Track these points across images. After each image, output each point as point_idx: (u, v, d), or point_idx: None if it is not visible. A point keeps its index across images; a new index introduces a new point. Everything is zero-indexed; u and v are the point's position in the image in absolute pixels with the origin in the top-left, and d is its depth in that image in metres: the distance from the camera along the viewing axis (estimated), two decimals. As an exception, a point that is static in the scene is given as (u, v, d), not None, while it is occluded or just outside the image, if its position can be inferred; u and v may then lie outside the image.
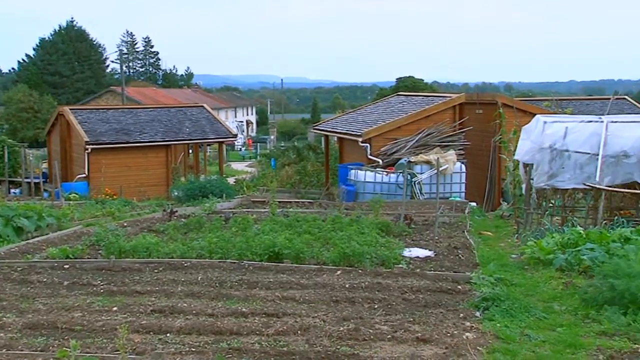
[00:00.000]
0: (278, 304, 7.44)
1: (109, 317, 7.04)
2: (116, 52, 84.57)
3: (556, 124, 11.94)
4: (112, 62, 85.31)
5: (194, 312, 7.18)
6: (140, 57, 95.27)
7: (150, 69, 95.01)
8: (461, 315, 7.07)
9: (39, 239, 11.68)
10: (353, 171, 18.90)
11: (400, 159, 19.27)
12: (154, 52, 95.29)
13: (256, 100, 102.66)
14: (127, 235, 11.39)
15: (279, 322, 6.80)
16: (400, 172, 17.90)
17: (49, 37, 72.37)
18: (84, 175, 23.21)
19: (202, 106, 28.74)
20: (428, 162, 18.53)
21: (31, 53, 71.60)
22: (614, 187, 11.23)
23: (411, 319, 6.91)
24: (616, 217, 11.08)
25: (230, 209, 15.52)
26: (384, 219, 12.46)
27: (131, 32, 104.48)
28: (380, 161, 19.57)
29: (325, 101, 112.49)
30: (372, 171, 18.69)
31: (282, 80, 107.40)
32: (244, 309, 7.22)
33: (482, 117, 20.08)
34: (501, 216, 15.02)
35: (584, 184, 11.35)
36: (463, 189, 18.93)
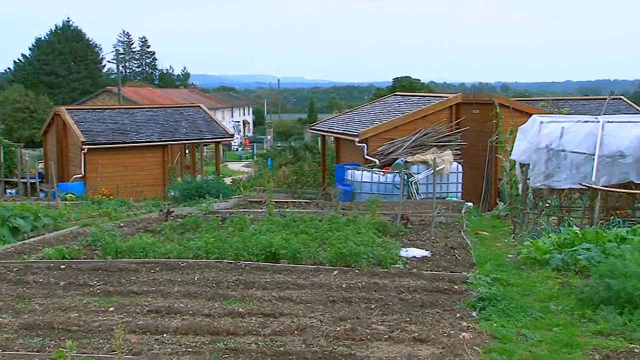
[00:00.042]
0: (275, 304, 7.44)
1: (105, 318, 7.03)
2: (112, 52, 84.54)
3: (552, 124, 11.96)
4: (109, 62, 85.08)
5: (190, 312, 7.17)
6: (136, 57, 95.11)
7: (147, 69, 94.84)
8: (458, 315, 7.08)
9: (35, 239, 11.66)
10: (350, 171, 18.91)
11: (397, 159, 19.28)
12: (151, 52, 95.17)
13: (253, 100, 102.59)
14: (124, 235, 11.37)
15: (275, 322, 6.80)
16: (397, 172, 17.92)
17: (45, 37, 72.23)
18: (80, 175, 23.17)
19: (199, 106, 28.72)
20: (425, 162, 18.55)
21: (27, 53, 71.49)
22: (610, 187, 11.25)
23: (408, 319, 6.91)
24: (612, 217, 11.11)
25: (227, 209, 15.50)
26: (381, 219, 12.47)
27: (128, 32, 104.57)
28: (377, 161, 19.58)
29: (322, 101, 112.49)
30: (368, 171, 18.70)
31: (278, 80, 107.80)
32: (240, 309, 7.22)
33: (478, 117, 20.10)
34: (498, 216, 15.04)
35: (580, 184, 11.37)
36: (460, 189, 18.95)
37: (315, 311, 7.18)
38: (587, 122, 11.92)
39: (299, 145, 37.76)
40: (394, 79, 71.22)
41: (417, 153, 19.36)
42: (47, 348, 6.09)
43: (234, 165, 45.88)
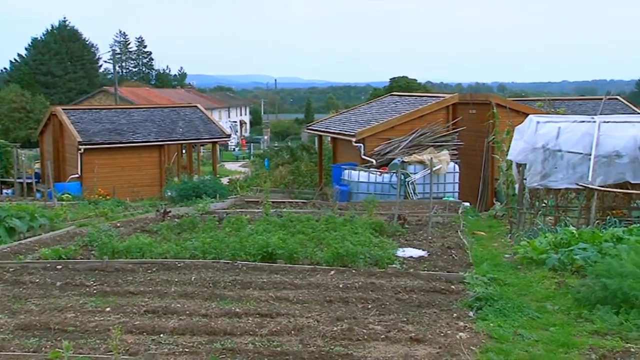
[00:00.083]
0: (272, 304, 7.44)
1: (102, 318, 7.01)
2: (109, 52, 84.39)
3: (549, 124, 11.99)
4: (105, 62, 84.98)
5: (187, 312, 7.16)
6: (133, 57, 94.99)
7: (144, 69, 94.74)
8: (455, 315, 7.08)
9: (31, 239, 11.63)
10: (347, 171, 18.91)
11: (393, 159, 19.30)
12: (147, 52, 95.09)
13: (250, 100, 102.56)
14: (120, 235, 11.35)
15: (272, 322, 6.80)
16: (394, 172, 17.92)
17: (41, 37, 72.08)
18: (76, 175, 23.14)
19: (196, 106, 28.70)
20: (421, 162, 18.57)
21: (23, 53, 71.34)
22: (607, 187, 11.28)
23: (405, 319, 6.92)
24: (608, 217, 11.14)
25: (224, 209, 15.50)
26: (378, 219, 12.48)
27: (124, 32, 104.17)
28: (374, 161, 19.59)
29: (318, 101, 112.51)
30: (365, 171, 18.71)
31: (275, 80, 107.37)
32: (237, 309, 7.21)
33: (475, 117, 20.13)
34: (494, 216, 15.06)
35: (577, 184, 11.40)
36: (456, 189, 18.97)
37: (312, 311, 7.18)
38: (583, 122, 11.95)
39: (296, 145, 37.78)
40: (390, 79, 71.33)
41: (414, 153, 19.38)
42: (43, 348, 6.07)
43: (230, 166, 45.86)
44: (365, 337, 6.33)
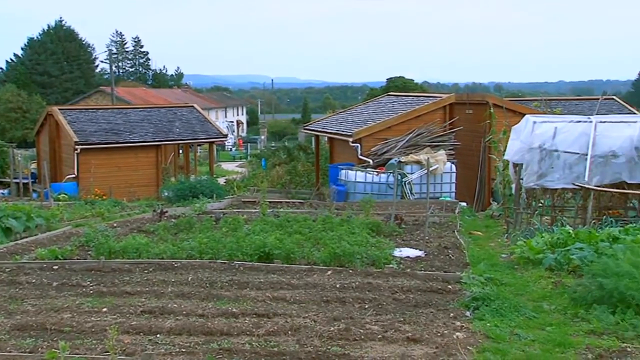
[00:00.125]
0: (269, 305, 7.43)
1: (98, 318, 7.00)
2: (105, 52, 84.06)
3: (545, 124, 12.00)
4: (102, 62, 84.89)
5: (184, 312, 7.16)
6: (129, 57, 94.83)
7: (140, 69, 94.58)
8: (451, 314, 7.09)
9: (27, 239, 11.61)
10: (343, 171, 18.91)
11: (390, 159, 19.30)
12: (144, 52, 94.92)
13: (246, 100, 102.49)
14: (117, 235, 11.34)
15: (269, 322, 6.80)
16: (391, 172, 17.93)
17: (37, 37, 71.95)
18: (73, 175, 23.10)
19: (193, 106, 28.68)
20: (418, 162, 18.58)
21: (19, 53, 71.18)
22: (603, 187, 11.30)
23: (402, 319, 6.92)
24: (605, 217, 11.16)
25: (221, 209, 15.49)
26: (375, 219, 12.48)
27: (121, 32, 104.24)
28: (371, 161, 19.60)
29: (315, 101, 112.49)
30: (362, 171, 18.71)
31: (272, 80, 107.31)
32: (234, 310, 7.21)
33: (472, 117, 20.15)
34: (491, 216, 15.08)
35: (573, 184, 11.42)
36: (453, 189, 18.98)
37: (309, 311, 7.18)
38: (579, 122, 11.97)
39: (293, 145, 37.72)
40: (387, 79, 71.32)
41: (411, 153, 19.38)
42: (39, 349, 6.06)
43: (227, 166, 45.83)
44: (362, 337, 6.34)
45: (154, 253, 9.82)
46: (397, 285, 8.15)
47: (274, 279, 8.51)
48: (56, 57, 69.73)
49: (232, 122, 79.52)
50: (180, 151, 29.48)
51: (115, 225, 13.23)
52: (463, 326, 6.69)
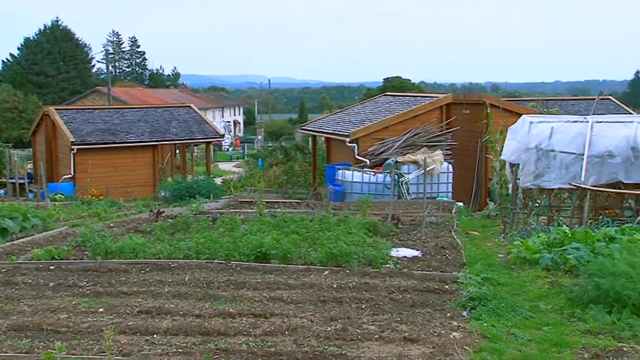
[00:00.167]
0: (265, 305, 7.43)
1: (95, 319, 6.99)
2: (102, 52, 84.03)
3: (542, 124, 12.02)
4: (98, 62, 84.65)
5: (181, 313, 7.15)
6: (126, 57, 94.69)
7: (137, 69, 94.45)
8: (448, 314, 7.10)
9: (24, 240, 11.59)
10: (340, 171, 18.91)
11: (387, 159, 19.31)
12: (141, 52, 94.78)
13: (243, 100, 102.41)
14: (114, 236, 11.32)
15: (266, 322, 6.80)
16: (388, 172, 17.94)
17: (33, 37, 71.75)
18: (69, 175, 23.05)
19: (189, 106, 28.65)
20: (415, 162, 18.59)
21: (16, 52, 71.01)
22: (599, 187, 11.33)
23: (398, 319, 6.92)
24: (601, 217, 11.19)
25: (218, 209, 15.47)
26: (372, 219, 12.48)
27: (117, 32, 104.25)
28: (368, 161, 19.60)
29: (312, 101, 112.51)
30: (359, 171, 18.72)
31: (269, 80, 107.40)
32: (231, 310, 7.21)
33: (469, 117, 20.18)
34: (488, 216, 15.10)
35: (570, 184, 11.44)
36: (450, 189, 19.00)
37: (306, 311, 7.18)
38: (576, 122, 12.00)
39: (290, 145, 37.76)
40: (384, 79, 71.38)
41: (408, 153, 19.39)
42: (36, 349, 6.05)
43: (224, 166, 45.78)
44: (359, 337, 6.34)
45: (151, 253, 9.81)
46: (394, 285, 8.16)
47: (270, 279, 8.51)
48: (52, 57, 69.57)
49: (229, 122, 79.44)
50: (177, 151, 29.46)
51: (111, 225, 13.21)
52: (460, 326, 6.69)
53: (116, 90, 58.35)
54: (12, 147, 30.27)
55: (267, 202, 15.21)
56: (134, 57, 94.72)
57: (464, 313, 7.14)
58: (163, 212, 14.01)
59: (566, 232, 9.59)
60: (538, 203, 12.60)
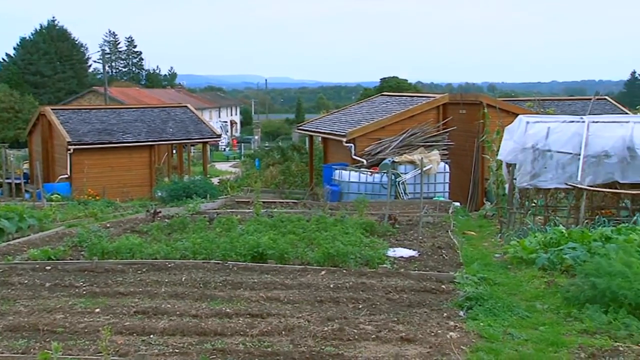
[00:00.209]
0: (262, 305, 7.43)
1: (91, 319, 6.98)
2: (98, 51, 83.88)
3: (538, 124, 12.04)
4: (95, 62, 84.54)
5: (177, 313, 7.14)
6: (123, 57, 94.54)
7: (133, 69, 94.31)
8: (445, 314, 7.10)
9: (20, 240, 11.56)
10: (337, 171, 18.91)
11: (384, 159, 19.32)
12: (137, 51, 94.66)
13: (240, 100, 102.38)
14: (110, 236, 11.30)
15: (263, 322, 6.79)
16: (385, 172, 17.95)
17: (29, 37, 71.60)
18: (66, 176, 23.01)
19: (186, 106, 28.62)
20: (412, 162, 18.60)
21: (12, 52, 70.87)
22: (596, 187, 11.35)
23: (395, 319, 6.93)
24: (597, 217, 11.20)
25: (215, 209, 15.46)
26: (368, 219, 12.49)
27: (114, 32, 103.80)
28: (365, 161, 19.61)
29: (309, 101, 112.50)
30: (356, 171, 18.72)
31: (266, 80, 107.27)
32: (228, 310, 7.20)
33: (465, 118, 20.19)
34: (484, 216, 15.11)
35: (566, 184, 11.46)
36: (447, 189, 19.02)
37: (302, 311, 7.18)
38: (572, 122, 12.01)
39: (287, 145, 37.73)
40: (381, 79, 71.44)
41: (405, 153, 19.41)
42: (32, 350, 6.04)
43: (221, 166, 45.76)
44: (356, 337, 6.34)
45: (148, 253, 9.80)
46: (391, 285, 8.16)
47: (267, 279, 8.51)
48: (49, 57, 69.42)
49: (226, 122, 79.44)
50: (174, 151, 29.43)
51: (108, 225, 13.19)
52: (457, 326, 6.70)
53: (113, 90, 58.26)
54: (8, 147, 30.25)
55: (264, 202, 15.20)
56: (130, 57, 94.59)
57: (461, 313, 7.15)
58: (160, 212, 13.99)
59: (563, 232, 9.61)
60: (534, 203, 12.62)
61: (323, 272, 8.79)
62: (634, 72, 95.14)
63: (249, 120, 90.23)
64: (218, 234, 11.22)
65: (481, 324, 6.74)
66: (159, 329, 6.57)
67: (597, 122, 11.93)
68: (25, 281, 8.63)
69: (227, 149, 62.88)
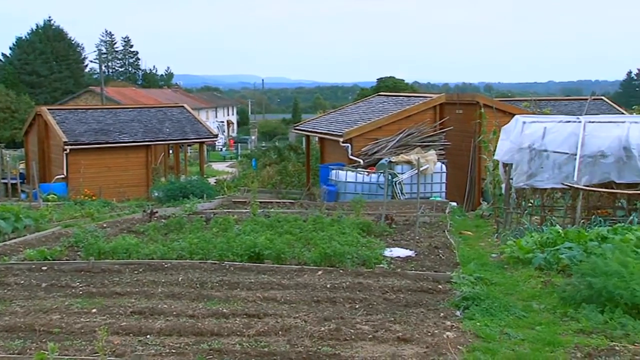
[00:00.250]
0: (259, 305, 7.43)
1: (88, 319, 6.97)
2: (95, 51, 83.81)
3: (535, 124, 12.06)
4: (91, 61, 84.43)
5: (174, 313, 7.14)
6: (119, 57, 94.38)
7: (130, 69, 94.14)
8: (442, 314, 7.11)
9: (16, 240, 11.53)
10: (334, 171, 18.91)
11: (381, 159, 19.33)
12: (134, 51, 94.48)
13: (237, 100, 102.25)
14: (107, 236, 11.29)
15: (260, 322, 6.79)
16: (381, 172, 17.96)
17: (26, 36, 71.41)
18: (62, 176, 22.96)
19: (183, 106, 28.60)
20: (409, 162, 18.61)
21: (8, 52, 70.68)
22: (592, 187, 11.37)
23: (392, 319, 6.93)
24: (593, 216, 11.23)
25: (211, 209, 15.45)
26: (365, 219, 12.49)
27: (110, 32, 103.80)
28: (361, 161, 19.61)
29: (306, 101, 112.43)
30: (353, 171, 18.73)
31: (262, 80, 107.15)
32: (224, 310, 7.20)
33: (462, 117, 20.21)
34: (481, 216, 15.13)
35: (563, 184, 11.48)
36: (443, 189, 19.03)
37: (299, 311, 7.18)
38: (569, 122, 12.04)
39: (283, 145, 37.72)
40: (378, 79, 71.39)
41: (401, 153, 19.41)
42: (28, 350, 6.03)
43: (218, 166, 45.72)
44: (353, 337, 6.34)
45: (144, 253, 9.79)
46: (388, 285, 8.17)
47: (264, 279, 8.50)
48: (45, 56, 69.25)
49: (223, 122, 79.30)
50: (171, 151, 29.40)
51: (104, 225, 13.17)
52: (453, 326, 6.71)
53: (109, 90, 58.15)
54: (4, 147, 30.14)
55: (260, 202, 15.19)
56: (127, 57, 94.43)
57: (458, 313, 7.16)
58: (156, 212, 13.98)
59: (559, 232, 9.63)
60: (531, 203, 12.64)
61: (320, 272, 8.79)
62: (630, 73, 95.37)
63: (245, 120, 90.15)
64: (215, 234, 11.21)
65: (478, 323, 6.75)
66: (155, 329, 6.57)
67: (593, 122, 11.96)
68: (22, 281, 8.61)
69: (224, 149, 62.81)
